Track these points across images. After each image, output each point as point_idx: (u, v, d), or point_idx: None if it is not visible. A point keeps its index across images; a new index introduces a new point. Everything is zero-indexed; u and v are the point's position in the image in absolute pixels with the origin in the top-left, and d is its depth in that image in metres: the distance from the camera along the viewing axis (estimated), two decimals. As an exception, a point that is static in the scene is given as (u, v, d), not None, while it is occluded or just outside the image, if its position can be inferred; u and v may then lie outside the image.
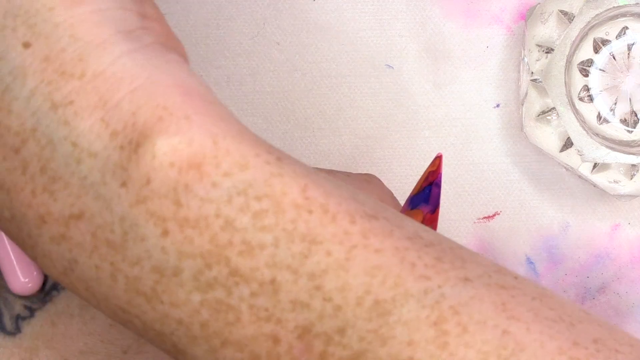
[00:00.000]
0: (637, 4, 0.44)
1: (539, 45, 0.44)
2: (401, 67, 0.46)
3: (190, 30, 0.46)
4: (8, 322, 0.36)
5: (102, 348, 0.36)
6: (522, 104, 0.44)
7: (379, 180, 0.39)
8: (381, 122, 0.46)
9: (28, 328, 0.36)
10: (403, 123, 0.46)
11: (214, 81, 0.46)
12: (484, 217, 0.46)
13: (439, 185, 0.36)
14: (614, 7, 0.44)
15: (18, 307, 0.36)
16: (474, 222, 0.46)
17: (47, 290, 0.36)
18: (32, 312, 0.36)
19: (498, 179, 0.46)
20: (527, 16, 0.44)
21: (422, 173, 0.46)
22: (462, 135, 0.46)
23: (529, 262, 0.46)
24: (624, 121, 0.45)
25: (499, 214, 0.46)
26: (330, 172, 0.38)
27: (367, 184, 0.38)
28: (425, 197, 0.36)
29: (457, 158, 0.46)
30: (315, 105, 0.46)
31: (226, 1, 0.46)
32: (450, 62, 0.46)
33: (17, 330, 0.36)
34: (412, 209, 0.37)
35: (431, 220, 0.37)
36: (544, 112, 0.44)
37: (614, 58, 0.45)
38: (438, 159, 0.36)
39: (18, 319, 0.36)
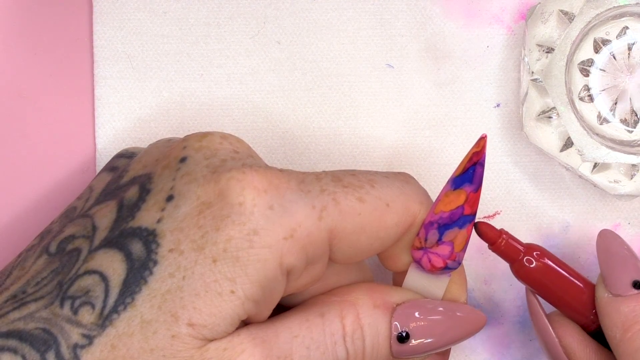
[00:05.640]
0: (638, 3, 0.44)
1: (539, 45, 0.44)
2: (401, 66, 0.46)
3: (191, 29, 0.46)
4: (65, 352, 0.35)
5: None
6: (523, 104, 0.44)
7: (415, 179, 0.40)
8: (381, 122, 0.46)
9: (87, 356, 0.35)
10: (403, 123, 0.46)
11: (214, 80, 0.46)
12: (484, 217, 0.46)
13: (483, 165, 0.38)
14: (614, 7, 0.44)
15: (76, 336, 0.36)
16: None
17: (107, 314, 0.36)
18: (90, 339, 0.35)
19: (498, 179, 0.46)
20: (528, 16, 0.44)
21: (422, 172, 0.46)
22: (462, 135, 0.46)
23: (529, 262, 0.46)
24: (624, 121, 0.45)
25: (499, 214, 0.46)
26: (371, 172, 0.39)
27: (406, 184, 0.39)
28: (470, 177, 0.38)
29: (457, 158, 0.46)
30: (315, 104, 0.46)
31: (226, 0, 0.46)
32: (450, 61, 0.46)
33: (75, 359, 0.35)
34: (454, 189, 0.38)
35: (474, 199, 0.38)
36: (544, 112, 0.44)
37: (614, 58, 0.45)
38: (483, 139, 0.38)
39: (76, 347, 0.35)
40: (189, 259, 0.36)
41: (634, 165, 0.44)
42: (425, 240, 0.39)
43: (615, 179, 0.44)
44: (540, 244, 0.46)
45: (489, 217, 0.46)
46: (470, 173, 0.38)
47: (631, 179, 0.44)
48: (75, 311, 0.36)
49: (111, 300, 0.36)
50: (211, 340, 0.36)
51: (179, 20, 0.46)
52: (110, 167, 0.42)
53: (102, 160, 0.46)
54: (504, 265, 0.46)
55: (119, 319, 0.36)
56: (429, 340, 0.39)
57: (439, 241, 0.39)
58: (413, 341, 0.39)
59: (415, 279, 0.40)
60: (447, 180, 0.39)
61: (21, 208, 0.46)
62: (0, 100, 0.46)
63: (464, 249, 0.39)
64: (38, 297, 0.37)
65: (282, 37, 0.46)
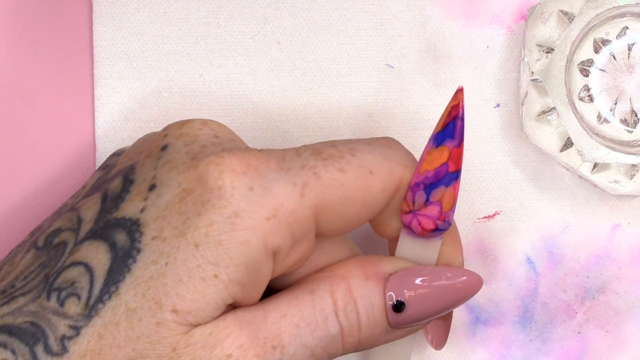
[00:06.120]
0: (637, 4, 0.44)
1: (539, 45, 0.44)
2: (401, 66, 0.46)
3: (190, 29, 0.46)
4: (53, 344, 0.36)
5: (150, 350, 0.35)
6: (522, 104, 0.44)
7: (399, 143, 0.40)
8: (381, 122, 0.46)
9: (75, 347, 0.35)
10: (403, 123, 0.46)
11: (214, 80, 0.46)
12: (484, 217, 0.46)
13: (462, 119, 0.37)
14: (614, 7, 0.44)
15: (63, 328, 0.36)
16: (474, 222, 0.46)
17: (92, 304, 0.36)
18: (77, 330, 0.36)
19: (498, 179, 0.46)
20: (528, 16, 0.44)
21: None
22: (462, 135, 0.46)
23: (529, 262, 0.46)
24: (624, 121, 0.45)
25: (499, 214, 0.46)
26: (351, 141, 0.39)
27: (389, 149, 0.39)
28: (450, 132, 0.38)
29: (457, 158, 0.46)
30: (315, 104, 0.46)
31: (226, 0, 0.46)
32: (450, 61, 0.46)
33: (63, 350, 0.35)
34: (436, 146, 0.38)
35: (457, 155, 0.38)
36: (544, 112, 0.44)
37: (614, 58, 0.45)
38: (459, 92, 0.37)
39: (64, 339, 0.36)
40: (171, 245, 0.36)
41: (634, 165, 0.44)
42: (413, 202, 0.39)
43: (615, 179, 0.44)
44: (540, 244, 0.46)
45: (489, 217, 0.46)
46: (450, 128, 0.38)
47: (631, 179, 0.44)
48: (61, 303, 0.36)
49: (96, 290, 0.36)
50: (196, 326, 0.36)
51: (178, 21, 0.46)
52: (104, 165, 0.42)
53: (102, 160, 0.46)
54: (504, 265, 0.46)
55: (104, 309, 0.36)
56: (427, 308, 0.39)
57: (427, 202, 0.38)
58: (409, 310, 0.38)
59: (407, 245, 0.40)
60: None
61: (21, 207, 0.46)
62: (0, 100, 0.46)
63: (452, 209, 0.39)
64: (26, 291, 0.37)
65: (282, 37, 0.46)
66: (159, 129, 0.46)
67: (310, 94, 0.46)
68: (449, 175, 0.38)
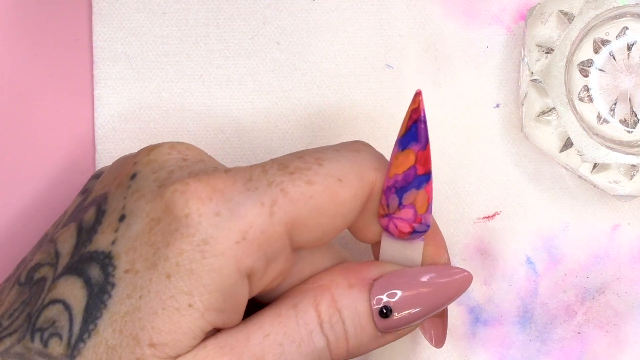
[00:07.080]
0: (637, 4, 0.44)
1: (539, 46, 0.44)
2: (401, 67, 0.46)
3: (190, 30, 0.46)
4: None
5: None
6: (522, 104, 0.44)
7: (368, 146, 0.39)
8: (381, 122, 0.46)
9: None
10: (403, 123, 0.46)
11: (214, 81, 0.46)
12: (484, 217, 0.46)
13: (424, 122, 0.37)
14: (614, 7, 0.44)
15: None
16: (474, 222, 0.46)
17: (74, 343, 0.35)
18: None
19: (498, 179, 0.46)
20: (527, 16, 0.44)
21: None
22: (462, 135, 0.46)
23: (529, 262, 0.46)
24: (623, 121, 0.45)
25: (499, 214, 0.46)
26: (319, 150, 0.38)
27: (358, 153, 0.38)
28: (414, 136, 0.37)
29: (457, 158, 0.46)
30: (315, 105, 0.46)
31: (226, 1, 0.46)
32: (450, 62, 0.46)
33: None
34: (402, 150, 0.37)
35: (424, 157, 0.37)
36: (544, 112, 0.44)
37: (614, 58, 0.45)
38: (418, 95, 0.37)
39: None
40: (144, 277, 0.35)
41: (633, 166, 0.44)
42: (388, 206, 0.38)
43: (615, 179, 0.44)
44: (540, 244, 0.46)
45: (489, 217, 0.46)
46: (413, 131, 0.37)
47: (631, 179, 0.44)
48: (45, 344, 0.36)
49: (76, 329, 0.36)
50: (176, 357, 0.35)
51: (178, 21, 0.46)
52: (84, 189, 0.41)
53: (102, 161, 0.46)
54: (503, 266, 0.46)
55: (85, 348, 0.35)
56: (415, 310, 0.38)
57: (400, 205, 0.38)
58: (396, 314, 0.38)
59: (390, 248, 0.39)
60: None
61: (20, 208, 0.46)
62: (0, 100, 0.46)
63: (428, 211, 0.38)
64: (12, 330, 0.37)
65: (282, 38, 0.46)
66: (158, 129, 0.46)
67: (310, 94, 0.46)
68: (419, 178, 0.37)
